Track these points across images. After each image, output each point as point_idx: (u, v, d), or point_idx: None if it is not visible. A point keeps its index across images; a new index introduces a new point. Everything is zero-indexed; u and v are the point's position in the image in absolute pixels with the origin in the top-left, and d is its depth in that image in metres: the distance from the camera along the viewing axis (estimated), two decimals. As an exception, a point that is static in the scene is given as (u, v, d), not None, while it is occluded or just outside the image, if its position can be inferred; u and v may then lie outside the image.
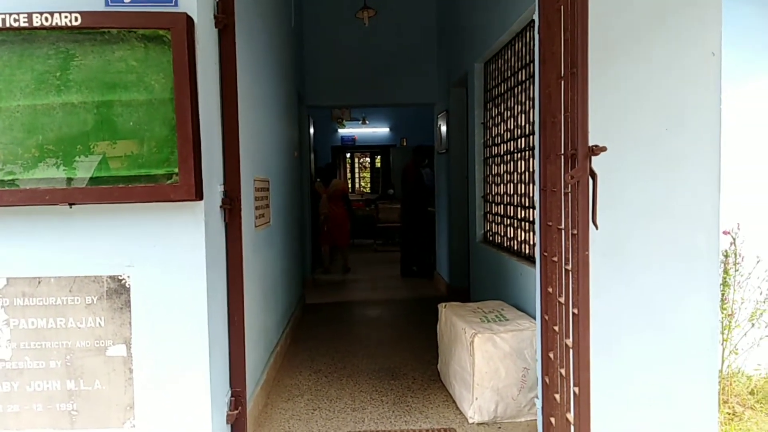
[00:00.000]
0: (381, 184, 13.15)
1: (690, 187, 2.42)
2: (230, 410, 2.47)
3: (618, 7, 2.38)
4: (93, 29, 2.07)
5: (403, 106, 9.00)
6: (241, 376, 2.52)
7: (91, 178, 2.10)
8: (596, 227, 1.89)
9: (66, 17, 2.04)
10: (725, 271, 3.40)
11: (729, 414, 3.20)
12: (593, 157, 1.87)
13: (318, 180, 8.33)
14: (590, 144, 1.87)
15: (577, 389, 1.95)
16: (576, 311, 1.93)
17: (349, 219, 8.33)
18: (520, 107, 4.03)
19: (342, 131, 12.87)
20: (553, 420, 2.31)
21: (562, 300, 2.12)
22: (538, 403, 2.57)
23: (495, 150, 4.74)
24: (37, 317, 2.20)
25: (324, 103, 7.28)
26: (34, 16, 2.03)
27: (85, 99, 2.08)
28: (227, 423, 2.45)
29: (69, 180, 2.09)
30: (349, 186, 13.73)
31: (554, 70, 2.16)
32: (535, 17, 2.51)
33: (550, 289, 2.31)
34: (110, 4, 2.14)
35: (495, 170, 4.75)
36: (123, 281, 2.21)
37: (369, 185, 13.87)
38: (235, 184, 2.48)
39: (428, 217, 7.91)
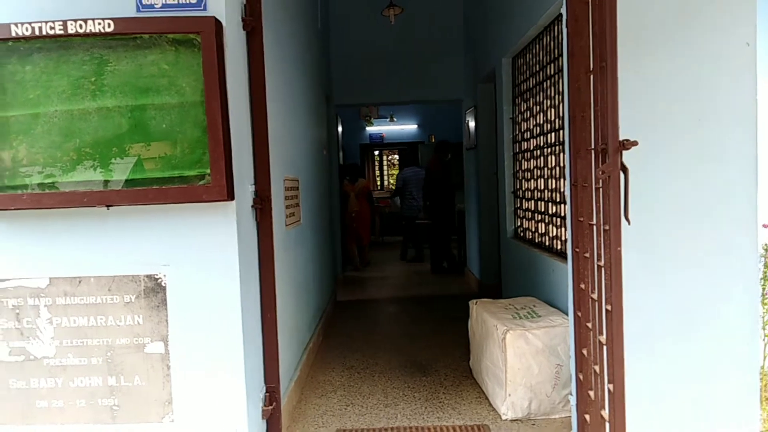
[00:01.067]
0: (425, 179, 13.09)
1: (725, 180, 2.37)
2: (265, 406, 2.51)
3: (647, -3, 2.34)
4: (125, 35, 2.12)
5: (431, 103, 8.99)
6: (275, 373, 2.56)
7: (126, 180, 2.16)
8: (629, 222, 1.86)
9: (99, 24, 2.10)
10: (766, 266, 3.31)
11: (771, 411, 3.12)
12: (624, 152, 1.85)
13: (347, 178, 8.41)
14: (621, 138, 1.84)
15: (611, 386, 1.93)
16: (609, 308, 1.91)
17: (371, 216, 8.55)
18: (549, 102, 3.98)
19: (370, 129, 12.89)
20: (587, 417, 2.29)
21: (595, 296, 2.09)
22: (572, 400, 2.55)
23: (524, 145, 4.70)
24: (79, 316, 2.27)
25: (351, 101, 7.31)
26: (69, 23, 2.10)
27: (120, 103, 2.14)
28: (262, 418, 2.49)
29: (106, 182, 2.16)
30: (378, 183, 13.77)
31: (583, 64, 2.14)
32: (563, 11, 2.48)
33: (583, 286, 2.29)
34: (141, 9, 2.19)
35: (525, 165, 4.70)
36: (159, 280, 2.26)
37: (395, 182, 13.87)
38: (265, 184, 2.52)
39: (456, 213, 7.91)
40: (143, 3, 2.19)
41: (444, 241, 7.89)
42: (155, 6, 2.20)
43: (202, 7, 2.20)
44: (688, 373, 2.41)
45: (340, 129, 8.19)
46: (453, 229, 7.95)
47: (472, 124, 6.62)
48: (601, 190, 1.97)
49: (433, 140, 12.31)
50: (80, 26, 2.11)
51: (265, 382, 2.55)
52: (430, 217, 7.95)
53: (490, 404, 3.31)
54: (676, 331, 2.41)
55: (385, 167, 14.07)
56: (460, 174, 7.59)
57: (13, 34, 2.10)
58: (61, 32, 2.11)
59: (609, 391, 1.95)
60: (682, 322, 2.41)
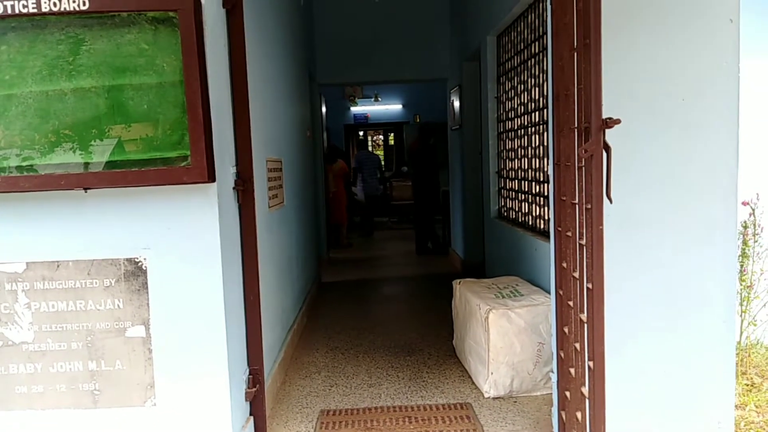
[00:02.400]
0: (395, 161, 13.11)
1: (707, 157, 2.38)
2: (248, 388, 2.51)
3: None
4: (101, 13, 2.07)
5: (416, 82, 8.94)
6: (258, 354, 2.56)
7: (107, 162, 2.11)
8: (611, 201, 1.87)
9: (74, 2, 2.04)
10: (744, 242, 3.36)
11: (747, 385, 3.19)
12: (607, 130, 1.85)
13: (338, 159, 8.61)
14: (604, 117, 1.84)
15: (591, 363, 1.95)
16: (590, 286, 1.92)
17: (346, 197, 8.75)
18: (533, 80, 3.97)
19: (354, 109, 12.79)
20: (568, 394, 2.32)
21: (577, 275, 2.11)
22: (554, 377, 2.58)
23: (509, 125, 4.69)
24: (58, 300, 2.24)
25: (335, 81, 7.24)
26: (43, 1, 2.03)
27: (96, 83, 2.09)
28: (246, 400, 2.49)
29: (86, 164, 2.11)
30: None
31: (567, 42, 2.12)
32: (547, -12, 2.46)
33: (565, 264, 2.30)
34: (117, -14, 2.13)
35: (509, 145, 4.71)
36: (140, 263, 2.24)
37: (383, 162, 13.84)
38: (247, 165, 2.49)
39: (440, 194, 7.93)
40: (119, -21, 2.13)
41: (428, 222, 7.91)
42: (131, -18, 2.14)
43: (179, -16, 2.14)
44: (669, 349, 2.45)
45: (324, 109, 8.12)
46: (437, 209, 7.98)
47: (456, 103, 6.59)
48: (583, 168, 1.97)
49: (418, 120, 12.25)
50: (54, 4, 2.04)
51: (249, 364, 2.55)
52: (414, 198, 7.98)
53: (473, 383, 3.35)
54: (657, 309, 2.44)
55: (370, 148, 14.00)
56: (445, 154, 7.59)
57: (-16, 13, 2.03)
58: (35, 11, 2.04)
59: (589, 368, 1.97)
60: (665, 300, 2.44)
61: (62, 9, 2.04)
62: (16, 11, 2.04)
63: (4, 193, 2.15)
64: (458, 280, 3.84)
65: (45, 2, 2.04)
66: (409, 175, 8.31)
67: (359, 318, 4.87)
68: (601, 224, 1.86)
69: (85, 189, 2.15)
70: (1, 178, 2.10)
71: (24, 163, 2.11)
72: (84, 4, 2.04)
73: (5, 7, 2.03)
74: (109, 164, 2.11)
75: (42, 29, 2.08)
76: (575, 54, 2.01)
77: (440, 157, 7.61)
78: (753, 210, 3.34)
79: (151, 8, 2.07)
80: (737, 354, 3.24)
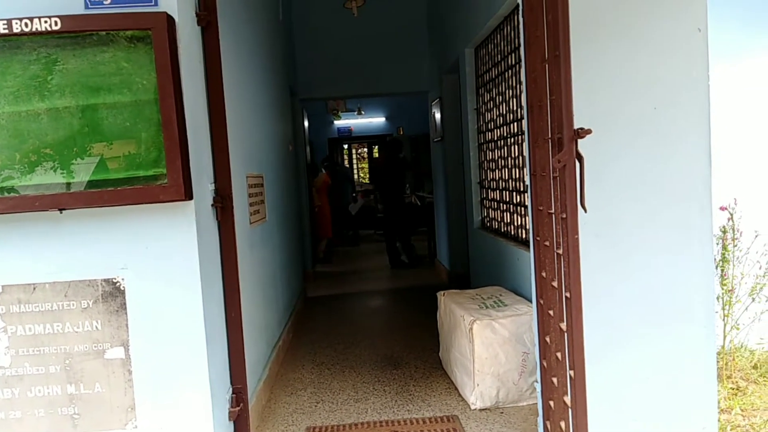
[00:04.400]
0: (369, 176, 13.13)
1: (680, 164, 2.41)
2: (232, 407, 2.48)
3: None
4: (74, 33, 2.06)
5: (397, 95, 8.98)
6: (241, 373, 2.53)
7: (89, 181, 2.10)
8: (585, 210, 1.88)
9: (46, 22, 2.03)
10: (724, 247, 3.40)
11: (733, 389, 3.22)
12: (579, 140, 1.87)
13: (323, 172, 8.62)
14: (576, 127, 1.86)
15: (572, 372, 1.96)
16: (568, 295, 1.94)
17: (330, 211, 8.69)
18: (511, 92, 4.01)
19: (338, 123, 12.83)
20: (552, 403, 2.32)
21: (555, 284, 2.12)
22: (538, 386, 2.58)
23: (489, 135, 4.73)
24: (34, 323, 2.21)
25: (317, 95, 7.25)
26: (14, 22, 2.02)
27: (69, 103, 2.08)
28: (229, 419, 2.47)
29: (68, 185, 2.09)
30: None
31: (539, 54, 2.15)
32: (519, 0, 2.49)
33: (544, 274, 2.31)
34: (90, 6, 2.12)
35: (489, 156, 4.74)
36: (118, 284, 2.21)
37: (368, 176, 13.86)
38: (225, 181, 2.48)
39: (407, 206, 7.96)
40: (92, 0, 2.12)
41: (401, 235, 7.91)
42: (104, 2, 2.14)
43: (153, 3, 2.15)
44: (650, 357, 2.46)
45: (306, 123, 8.13)
46: (406, 223, 7.96)
47: (438, 115, 6.64)
48: (558, 178, 1.99)
49: (402, 132, 12.31)
50: (26, 25, 2.03)
51: (232, 383, 2.52)
52: (383, 212, 8.02)
53: (460, 395, 3.34)
54: (637, 316, 2.45)
55: (354, 161, 14.03)
56: (428, 166, 7.61)
57: (-46, 34, 2.01)
58: (6, 31, 2.03)
59: (570, 377, 1.98)
60: (644, 307, 2.45)
61: (34, 29, 2.03)
62: (-13, 32, 2.02)
63: (-22, 216, 2.12)
64: (443, 292, 3.84)
65: (16, 23, 2.03)
66: (374, 191, 8.33)
67: (346, 332, 4.85)
68: (577, 233, 1.88)
69: (60, 210, 2.13)
70: (-27, 201, 2.07)
71: (4, 184, 2.08)
72: (56, 24, 2.04)
73: (-25, 28, 2.02)
74: (91, 183, 2.09)
75: (14, 50, 2.07)
76: (546, 66, 2.04)
77: (419, 168, 7.64)
78: (731, 215, 3.38)
79: (124, 28, 2.07)
80: (721, 358, 3.27)
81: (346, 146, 13.63)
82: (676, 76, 2.39)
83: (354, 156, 13.98)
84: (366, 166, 13.99)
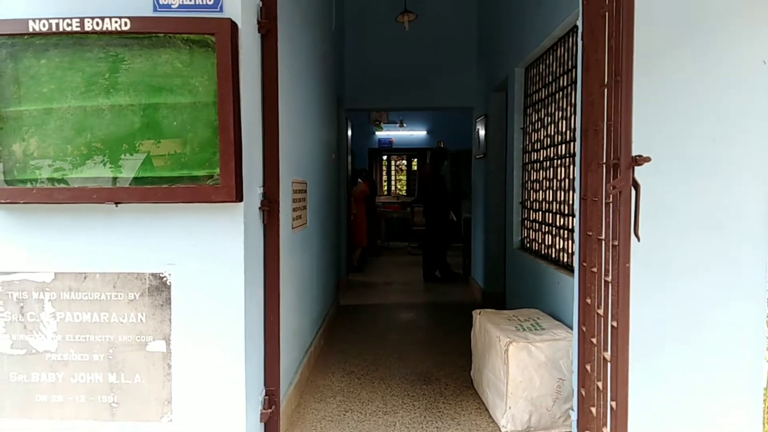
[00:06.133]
0: (417, 187, 13.13)
1: (737, 199, 2.35)
2: (264, 409, 2.50)
3: (663, 13, 2.32)
4: (141, 34, 2.13)
5: (442, 110, 8.99)
6: (275, 375, 2.55)
7: (135, 178, 2.16)
8: (638, 239, 1.84)
9: (116, 22, 2.11)
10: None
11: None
12: (636, 168, 1.83)
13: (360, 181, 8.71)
14: (634, 154, 1.83)
15: (614, 404, 1.91)
16: (615, 324, 1.89)
17: (368, 220, 8.76)
18: (561, 113, 3.97)
19: (379, 134, 12.89)
20: (588, 433, 2.27)
21: (601, 312, 2.08)
22: (573, 415, 2.53)
23: (534, 156, 4.68)
24: (82, 311, 2.27)
25: (362, 106, 7.31)
26: (86, 20, 2.11)
27: (133, 101, 2.15)
28: (261, 421, 2.48)
29: (114, 179, 2.16)
30: (384, 188, 13.77)
31: (597, 78, 2.12)
32: (579, 23, 2.47)
33: (589, 300, 2.27)
34: (158, 9, 2.20)
35: (534, 176, 4.69)
36: (164, 279, 2.26)
37: (405, 188, 13.87)
38: (274, 186, 2.51)
39: (450, 223, 7.91)
40: (160, 2, 2.20)
41: (436, 250, 7.86)
42: (172, 6, 2.21)
43: (218, 9, 2.21)
44: (693, 390, 2.39)
45: (349, 133, 8.21)
46: (446, 238, 7.92)
47: (482, 132, 6.60)
48: (611, 205, 1.95)
49: (442, 146, 12.27)
50: (97, 24, 2.12)
51: (265, 384, 2.54)
52: (425, 224, 7.98)
53: (490, 416, 3.29)
54: (682, 349, 2.38)
55: (393, 173, 14.07)
56: (469, 182, 7.57)
57: (30, 30, 2.11)
58: (78, 29, 2.12)
59: (611, 408, 1.93)
60: (689, 340, 2.38)
61: (104, 29, 2.11)
62: (61, 29, 2.11)
63: (37, 204, 2.20)
64: (478, 310, 3.80)
65: (88, 22, 2.11)
66: (420, 202, 8.31)
67: (376, 343, 4.84)
68: (628, 261, 1.84)
69: (116, 203, 2.20)
70: (36, 190, 2.15)
71: (55, 175, 2.16)
72: (126, 25, 2.11)
73: (50, 24, 2.11)
74: (137, 180, 2.16)
75: (82, 47, 2.15)
76: (605, 90, 2.01)
77: (461, 183, 7.59)
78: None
79: (190, 31, 2.13)
80: (765, 399, 3.14)
81: (385, 157, 13.67)
82: (738, 109, 2.33)
83: (393, 168, 14.01)
84: (404, 178, 14.00)
